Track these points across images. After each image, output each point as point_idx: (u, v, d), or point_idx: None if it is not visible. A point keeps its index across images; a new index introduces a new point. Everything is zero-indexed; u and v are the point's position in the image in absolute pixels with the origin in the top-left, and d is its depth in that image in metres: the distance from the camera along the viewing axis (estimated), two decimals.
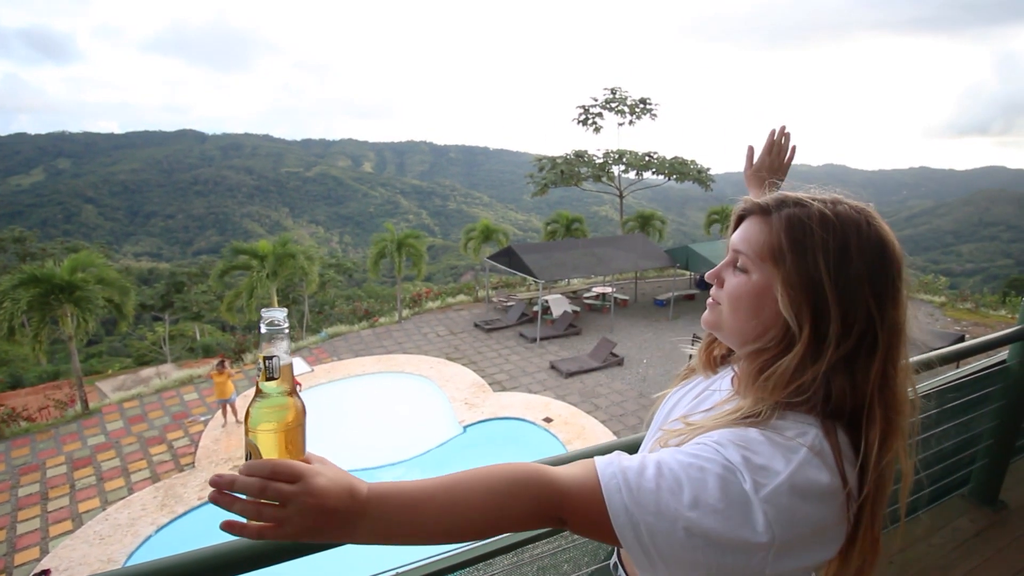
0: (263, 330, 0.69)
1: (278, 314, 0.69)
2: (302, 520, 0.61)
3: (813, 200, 0.76)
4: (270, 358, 0.68)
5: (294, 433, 0.70)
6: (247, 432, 0.68)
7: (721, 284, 0.84)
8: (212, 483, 0.62)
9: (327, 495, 0.63)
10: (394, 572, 1.41)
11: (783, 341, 0.74)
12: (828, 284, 0.71)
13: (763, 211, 0.79)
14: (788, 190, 0.82)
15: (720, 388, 0.92)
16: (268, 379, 0.69)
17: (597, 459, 0.70)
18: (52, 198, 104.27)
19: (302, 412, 0.72)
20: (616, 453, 0.71)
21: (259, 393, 0.69)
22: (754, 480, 0.63)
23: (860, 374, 0.71)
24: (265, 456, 0.67)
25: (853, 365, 0.71)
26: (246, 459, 0.67)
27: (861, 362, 0.72)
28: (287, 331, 0.71)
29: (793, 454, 0.66)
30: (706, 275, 0.88)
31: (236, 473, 0.62)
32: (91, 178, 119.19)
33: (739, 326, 0.80)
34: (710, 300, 0.88)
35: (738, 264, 0.81)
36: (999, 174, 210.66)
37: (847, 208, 0.76)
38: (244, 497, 0.61)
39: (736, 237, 0.82)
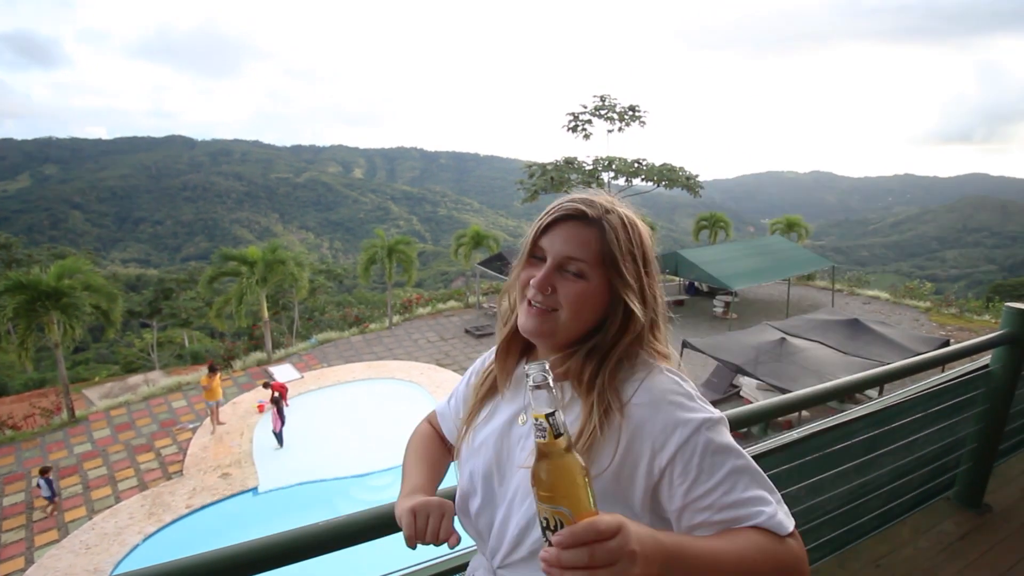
0: (530, 384, 0.66)
1: (538, 369, 0.66)
2: (630, 571, 0.59)
3: (615, 206, 0.90)
4: (552, 414, 0.65)
5: (590, 486, 0.64)
6: (546, 500, 0.63)
7: (553, 291, 0.87)
8: (547, 567, 0.60)
9: (643, 543, 0.61)
10: (402, 573, 1.41)
11: (610, 326, 0.88)
12: (644, 278, 0.89)
13: (587, 220, 0.87)
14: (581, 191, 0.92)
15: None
16: (556, 436, 0.64)
17: (782, 516, 0.77)
18: (39, 204, 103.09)
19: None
20: (775, 502, 0.79)
21: (548, 454, 0.64)
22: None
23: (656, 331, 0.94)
24: (579, 512, 0.61)
25: (656, 327, 0.93)
26: (547, 527, 0.63)
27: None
28: (551, 382, 0.67)
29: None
30: (537, 285, 0.87)
31: (557, 551, 0.59)
32: (78, 184, 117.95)
33: (578, 328, 0.89)
34: (537, 310, 0.88)
35: (571, 269, 0.87)
36: (982, 181, 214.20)
37: (631, 212, 0.92)
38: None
39: (565, 245, 0.87)
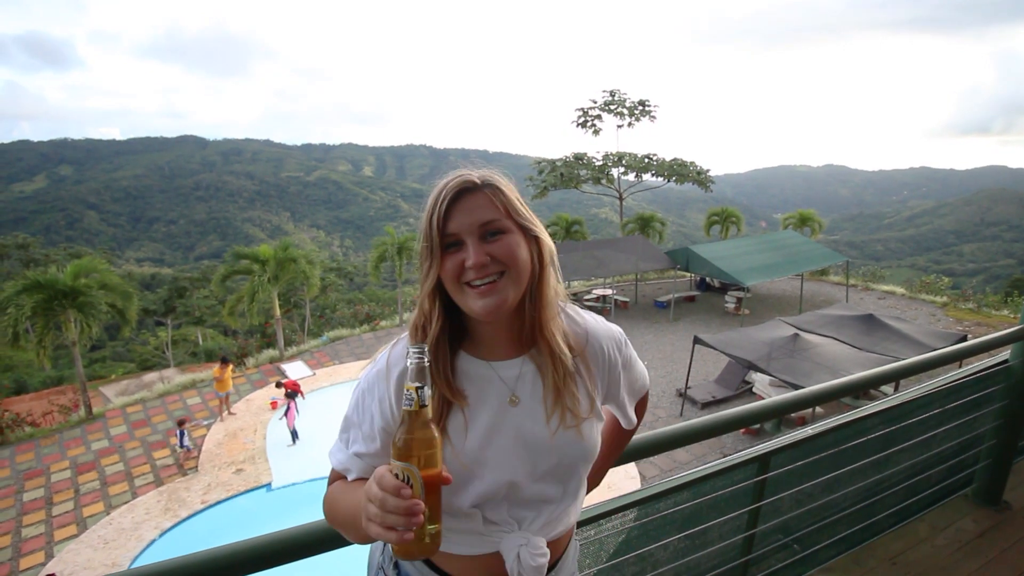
0: (410, 364, 0.78)
1: (418, 350, 0.78)
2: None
3: (477, 169, 0.95)
4: (420, 387, 0.77)
5: (439, 451, 0.78)
6: (399, 458, 0.75)
7: (491, 258, 0.89)
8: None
9: None
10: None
11: (537, 269, 0.94)
12: (535, 219, 0.96)
13: (476, 187, 0.91)
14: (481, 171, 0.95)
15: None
16: (421, 406, 0.76)
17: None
18: (55, 204, 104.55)
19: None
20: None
21: (412, 420, 0.77)
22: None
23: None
24: (425, 471, 0.75)
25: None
26: (399, 490, 0.72)
27: None
28: (427, 365, 0.79)
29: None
30: (475, 263, 0.87)
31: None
32: (93, 184, 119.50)
33: (523, 281, 0.92)
34: (486, 286, 0.89)
35: (491, 231, 0.90)
36: (1001, 173, 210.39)
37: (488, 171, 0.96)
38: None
39: (474, 214, 0.89)
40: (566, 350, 0.97)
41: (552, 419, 0.95)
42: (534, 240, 0.95)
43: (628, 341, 1.11)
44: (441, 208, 0.89)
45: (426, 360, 0.78)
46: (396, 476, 0.74)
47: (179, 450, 10.89)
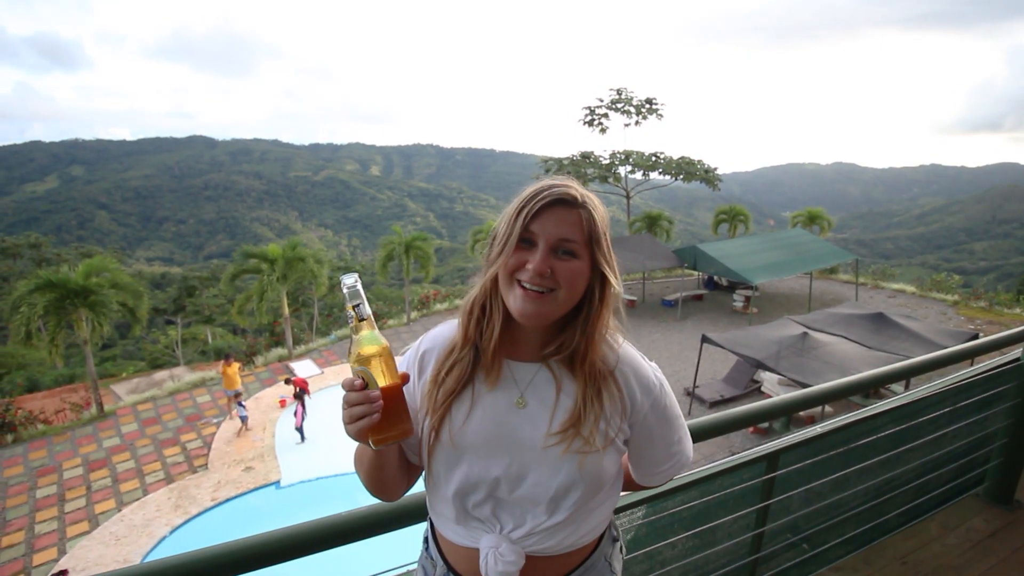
0: (345, 291, 0.90)
1: (350, 278, 0.90)
2: None
3: (587, 191, 0.96)
4: (357, 305, 0.90)
5: (391, 358, 0.90)
6: (354, 362, 0.89)
7: (552, 272, 0.91)
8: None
9: None
10: (395, 572, 1.42)
11: (593, 301, 0.96)
12: (613, 256, 0.97)
13: (575, 203, 0.93)
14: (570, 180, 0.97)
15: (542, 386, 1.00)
16: (360, 320, 0.90)
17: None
18: (66, 204, 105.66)
19: (389, 346, 0.91)
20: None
21: (357, 331, 0.90)
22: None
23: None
24: (376, 373, 0.87)
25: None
26: (362, 384, 0.87)
27: None
28: (361, 288, 0.91)
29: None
30: (536, 269, 0.90)
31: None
32: (104, 184, 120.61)
33: (569, 305, 0.95)
34: (535, 293, 0.91)
35: (564, 250, 0.92)
36: (1012, 170, 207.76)
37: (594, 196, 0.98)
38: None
39: (559, 227, 0.91)
40: (603, 384, 0.98)
41: (553, 434, 0.96)
42: (600, 277, 0.95)
43: (667, 389, 1.04)
44: (534, 207, 0.91)
45: (359, 286, 0.91)
46: (357, 377, 0.87)
47: (241, 425, 11.73)
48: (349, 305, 0.90)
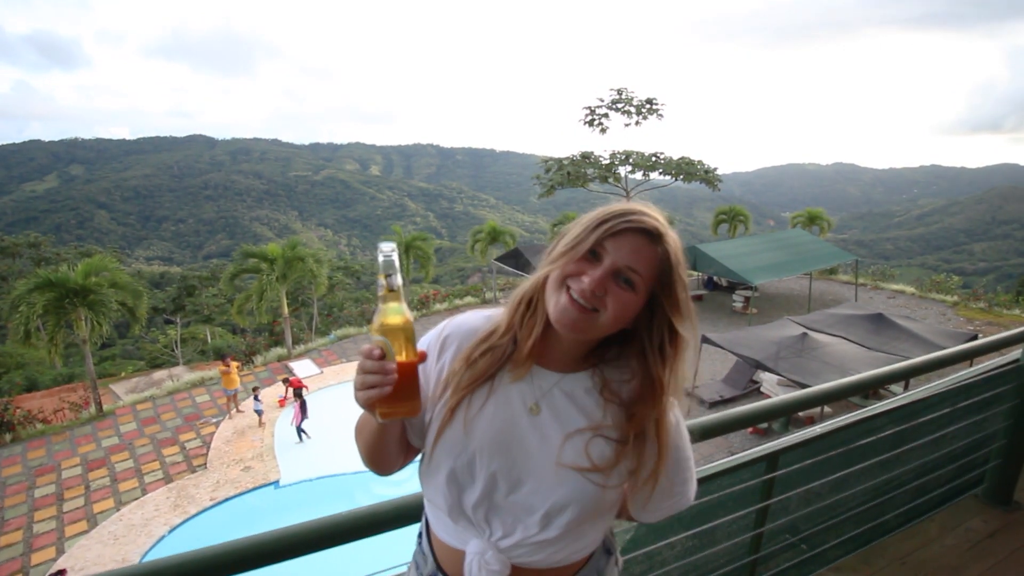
0: (381, 259, 0.87)
1: (388, 246, 0.87)
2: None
3: (670, 229, 0.93)
4: (389, 276, 0.87)
5: (413, 332, 0.88)
6: (376, 331, 0.87)
7: (605, 291, 0.89)
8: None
9: None
10: (393, 572, 1.42)
11: (654, 342, 0.94)
12: (688, 302, 0.94)
13: (656, 239, 0.90)
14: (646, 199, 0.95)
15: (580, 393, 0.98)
16: (391, 290, 0.87)
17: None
18: (66, 204, 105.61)
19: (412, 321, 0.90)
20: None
21: (384, 300, 0.88)
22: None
23: None
24: (396, 345, 0.86)
25: None
26: (380, 354, 0.85)
27: None
28: (396, 260, 0.89)
29: None
30: (593, 285, 0.88)
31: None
32: (103, 183, 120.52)
33: (609, 332, 0.93)
34: (580, 306, 0.89)
35: (625, 278, 0.89)
36: (1012, 171, 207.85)
37: (678, 237, 0.94)
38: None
39: (631, 256, 0.89)
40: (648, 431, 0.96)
41: (567, 446, 0.94)
42: (665, 321, 0.93)
43: (683, 429, 1.03)
44: (616, 226, 0.89)
45: (395, 256, 0.87)
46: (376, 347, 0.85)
47: (258, 418, 12.03)
48: (382, 274, 0.88)
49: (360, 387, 0.85)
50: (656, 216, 0.92)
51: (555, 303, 0.91)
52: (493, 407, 0.96)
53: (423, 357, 0.90)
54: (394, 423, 0.97)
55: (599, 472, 0.93)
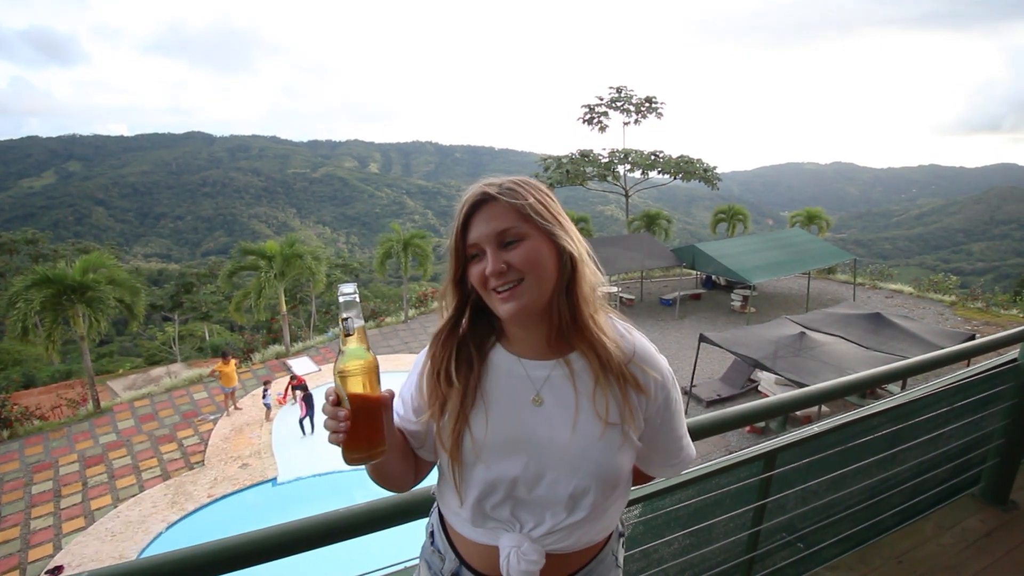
0: (340, 300, 0.87)
1: (348, 288, 0.87)
2: None
3: (497, 181, 0.95)
4: (346, 318, 0.87)
5: (372, 376, 0.88)
6: (336, 375, 0.87)
7: (509, 266, 0.91)
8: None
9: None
10: (394, 569, 1.42)
11: (569, 278, 0.94)
12: (566, 221, 0.95)
13: (493, 197, 0.92)
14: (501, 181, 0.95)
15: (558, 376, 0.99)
16: (347, 335, 0.87)
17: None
18: (63, 200, 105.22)
19: (375, 362, 0.89)
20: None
21: (344, 344, 0.88)
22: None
23: None
24: (349, 392, 0.86)
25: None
26: (335, 400, 0.85)
27: None
28: (358, 300, 0.88)
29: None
30: (491, 271, 0.90)
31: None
32: (101, 180, 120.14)
33: (547, 285, 0.93)
34: (508, 291, 0.91)
35: (509, 239, 0.92)
36: (1011, 171, 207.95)
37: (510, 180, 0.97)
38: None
39: (490, 223, 0.91)
40: (610, 343, 0.96)
41: (577, 426, 0.95)
42: (565, 252, 0.94)
43: (675, 381, 1.04)
44: (460, 220, 0.94)
45: (355, 297, 0.88)
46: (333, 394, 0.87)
47: (267, 411, 12.14)
48: (341, 316, 0.88)
49: (326, 429, 0.87)
50: (481, 182, 0.95)
51: (497, 309, 0.94)
52: (496, 414, 0.97)
53: (383, 400, 0.90)
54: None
55: (621, 426, 0.95)
